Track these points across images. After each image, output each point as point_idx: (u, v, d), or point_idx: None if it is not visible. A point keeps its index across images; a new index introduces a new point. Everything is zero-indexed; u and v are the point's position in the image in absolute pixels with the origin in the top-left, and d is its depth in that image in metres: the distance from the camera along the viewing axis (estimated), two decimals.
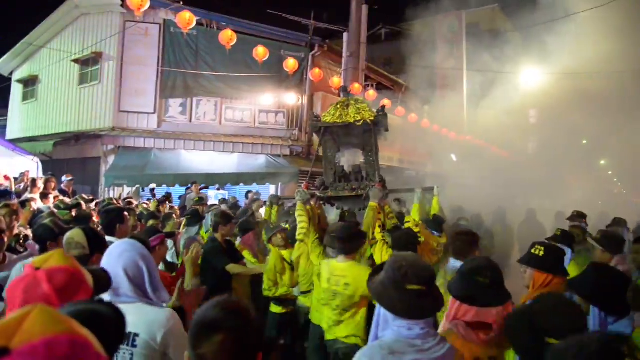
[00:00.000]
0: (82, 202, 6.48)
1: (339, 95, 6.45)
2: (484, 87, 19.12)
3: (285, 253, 5.17)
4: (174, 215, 6.51)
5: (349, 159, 7.63)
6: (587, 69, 14.32)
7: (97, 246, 2.78)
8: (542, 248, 2.93)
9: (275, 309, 5.09)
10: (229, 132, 14.20)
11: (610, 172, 28.16)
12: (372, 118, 5.99)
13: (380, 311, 2.04)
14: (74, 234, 2.82)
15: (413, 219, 5.19)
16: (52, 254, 1.60)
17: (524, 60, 17.89)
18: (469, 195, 9.16)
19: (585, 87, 15.08)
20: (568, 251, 3.97)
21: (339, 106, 6.12)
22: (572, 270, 3.51)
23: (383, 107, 6.32)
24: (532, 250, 2.96)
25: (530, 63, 17.89)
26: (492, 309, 2.27)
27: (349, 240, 3.90)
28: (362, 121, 5.95)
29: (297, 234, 4.77)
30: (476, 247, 3.88)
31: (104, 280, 1.89)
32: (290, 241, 5.21)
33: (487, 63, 18.48)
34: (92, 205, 7.13)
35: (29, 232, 4.29)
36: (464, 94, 20.91)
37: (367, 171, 6.17)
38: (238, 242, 5.69)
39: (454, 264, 3.78)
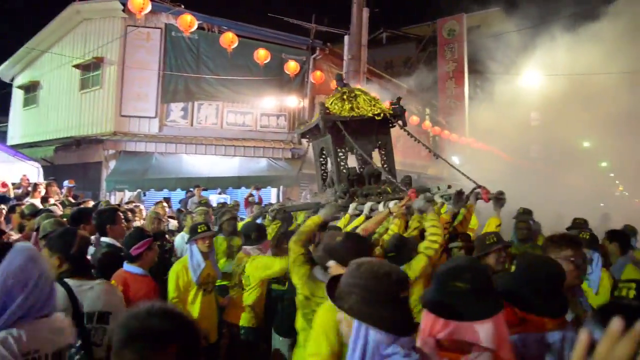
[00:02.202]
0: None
1: (337, 88, 5.86)
2: (484, 89, 19.11)
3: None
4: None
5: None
6: (589, 70, 14.32)
7: None
8: None
9: None
10: (230, 136, 14.21)
11: (612, 175, 28.11)
12: (391, 111, 5.48)
13: (362, 343, 1.62)
14: (46, 224, 2.83)
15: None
16: None
17: (526, 63, 17.87)
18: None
19: (587, 88, 15.05)
20: (595, 256, 3.74)
21: (344, 97, 5.52)
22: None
23: (399, 98, 5.81)
24: None
25: (532, 65, 17.87)
26: (474, 324, 1.74)
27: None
28: (381, 115, 5.36)
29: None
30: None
31: None
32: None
33: (488, 65, 18.48)
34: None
35: (16, 236, 4.39)
36: (465, 96, 20.90)
37: (385, 174, 5.52)
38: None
39: None
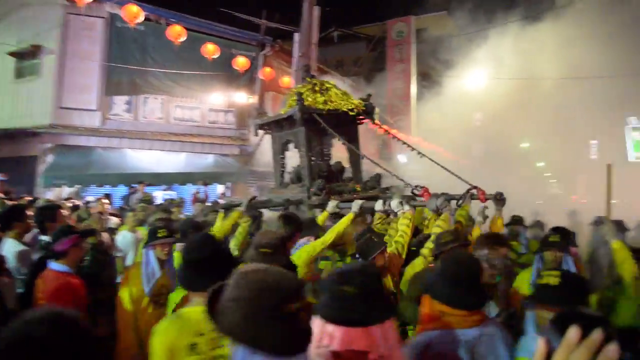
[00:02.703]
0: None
1: (304, 80, 5.71)
2: (431, 90, 19.61)
3: None
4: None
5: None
6: (528, 75, 15.01)
7: None
8: None
9: None
10: (177, 131, 13.88)
11: (548, 174, 29.56)
12: (363, 107, 5.43)
13: None
14: None
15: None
16: None
17: (470, 65, 18.46)
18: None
19: (528, 91, 15.75)
20: (568, 259, 3.70)
21: (316, 89, 5.38)
22: None
23: (369, 95, 5.76)
24: None
25: (476, 68, 18.48)
26: (360, 331, 1.63)
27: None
28: (355, 110, 5.30)
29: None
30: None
31: None
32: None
33: (434, 67, 18.97)
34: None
35: None
36: (412, 96, 21.37)
37: (353, 169, 5.53)
38: None
39: None
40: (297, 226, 4.03)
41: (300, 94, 5.22)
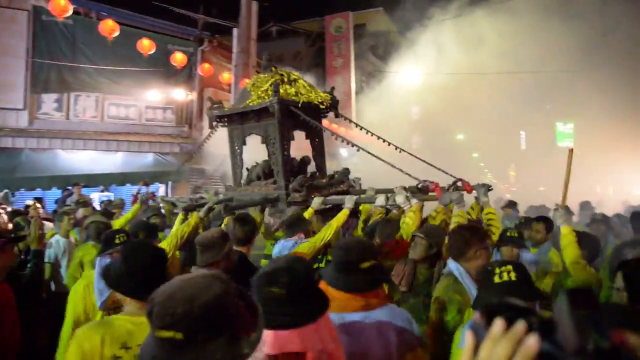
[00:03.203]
0: None
1: (261, 71, 5.44)
2: (370, 84, 19.98)
3: None
4: None
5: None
6: (463, 70, 15.64)
7: None
8: None
9: None
10: (113, 130, 13.35)
11: (482, 164, 30.99)
12: (330, 101, 5.31)
13: None
14: None
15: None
16: None
17: (407, 60, 18.96)
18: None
19: (462, 86, 16.41)
20: (525, 254, 3.74)
21: (284, 79, 5.17)
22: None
23: (333, 88, 5.70)
24: None
25: (413, 63, 19.02)
26: (292, 332, 1.56)
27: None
28: (325, 103, 5.20)
29: None
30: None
31: None
32: None
33: (373, 62, 19.35)
34: None
35: None
36: (352, 91, 21.67)
37: (318, 164, 5.40)
38: None
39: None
40: (253, 228, 3.96)
41: (277, 85, 5.00)
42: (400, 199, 4.39)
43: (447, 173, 5.22)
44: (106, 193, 12.93)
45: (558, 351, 0.58)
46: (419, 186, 4.88)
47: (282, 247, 4.12)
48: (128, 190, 12.79)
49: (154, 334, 1.19)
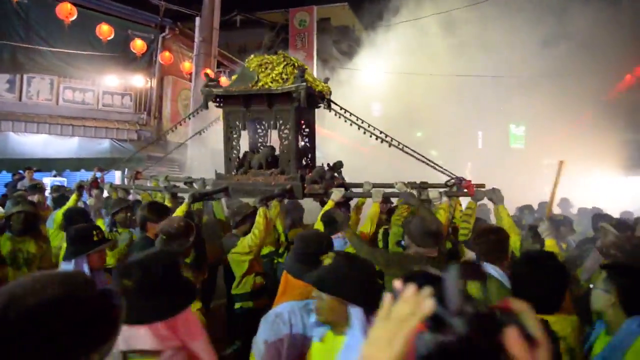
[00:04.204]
0: None
1: (269, 52, 5.18)
2: (332, 79, 20.16)
3: None
4: None
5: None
6: (425, 70, 16.11)
7: None
8: None
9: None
10: (68, 114, 13.03)
11: (440, 162, 31.75)
12: (330, 91, 5.17)
13: None
14: None
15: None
16: None
17: (369, 57, 19.24)
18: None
19: (423, 86, 16.85)
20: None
21: (295, 65, 4.91)
22: None
23: (327, 79, 5.57)
24: None
25: (375, 60, 19.31)
26: (143, 329, 1.48)
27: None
28: (328, 93, 5.07)
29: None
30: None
31: None
32: None
33: (335, 57, 19.53)
34: None
35: None
36: None
37: (308, 155, 5.23)
38: None
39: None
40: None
41: (304, 70, 4.81)
42: (433, 194, 4.57)
43: (444, 172, 5.33)
44: (59, 178, 12.67)
45: (444, 312, 0.72)
46: (449, 183, 4.95)
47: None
48: (82, 176, 12.57)
49: None
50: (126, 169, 13.28)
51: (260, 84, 4.88)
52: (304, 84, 4.71)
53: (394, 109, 18.88)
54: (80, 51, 12.40)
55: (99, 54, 12.46)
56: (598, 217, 5.67)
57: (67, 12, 9.07)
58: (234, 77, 5.26)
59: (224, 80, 14.76)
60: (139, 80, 13.75)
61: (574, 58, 14.82)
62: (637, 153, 15.91)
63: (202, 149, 13.00)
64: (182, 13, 15.02)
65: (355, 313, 1.86)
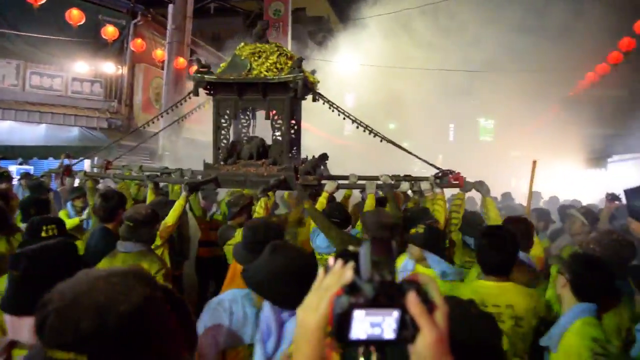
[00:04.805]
0: None
1: (261, 40, 5.11)
2: (306, 70, 20.17)
3: None
4: None
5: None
6: (398, 63, 16.34)
7: None
8: None
9: None
10: (35, 100, 12.72)
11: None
12: (315, 81, 5.13)
13: None
14: None
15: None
16: None
17: (344, 48, 19.33)
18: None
19: (397, 78, 17.06)
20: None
21: (289, 56, 4.93)
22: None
23: (314, 71, 5.51)
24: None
25: (349, 51, 19.41)
26: (27, 319, 1.43)
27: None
28: (314, 85, 5.04)
29: None
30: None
31: None
32: None
33: (310, 48, 19.53)
34: None
35: None
36: None
37: (294, 147, 5.18)
38: None
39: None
40: (118, 204, 4.09)
41: (301, 60, 4.83)
42: (425, 185, 4.75)
43: (432, 165, 5.42)
44: (25, 166, 12.40)
45: (358, 279, 0.86)
46: (439, 175, 5.01)
47: None
48: (50, 164, 12.34)
49: (45, 354, 0.88)
50: (95, 158, 13.11)
51: (255, 72, 4.86)
52: (302, 74, 4.71)
53: (367, 100, 19.07)
54: (49, 36, 12.09)
55: (69, 39, 12.19)
56: (564, 207, 6.12)
57: None
58: (222, 65, 5.20)
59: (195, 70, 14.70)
60: (110, 67, 13.52)
61: (542, 55, 15.27)
62: (599, 147, 16.51)
63: (174, 138, 12.92)
64: None
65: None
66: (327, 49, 19.43)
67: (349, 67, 19.59)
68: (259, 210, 4.27)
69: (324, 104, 5.34)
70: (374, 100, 18.14)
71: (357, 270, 0.88)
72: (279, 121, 5.01)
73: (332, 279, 0.90)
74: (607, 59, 12.19)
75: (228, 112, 5.10)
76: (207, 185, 5.07)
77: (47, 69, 12.90)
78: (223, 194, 6.30)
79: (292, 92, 4.85)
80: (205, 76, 4.95)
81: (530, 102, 16.94)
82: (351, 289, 0.85)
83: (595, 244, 2.89)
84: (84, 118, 13.32)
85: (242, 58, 4.95)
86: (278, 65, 4.86)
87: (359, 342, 0.84)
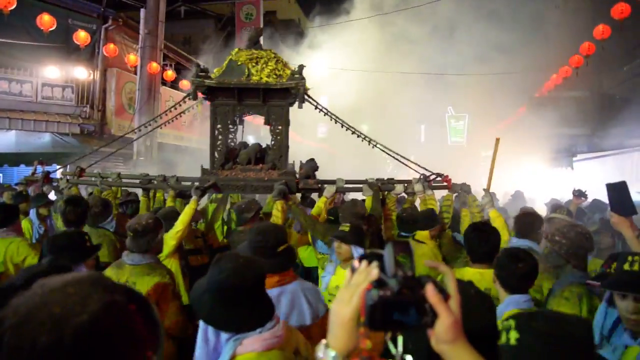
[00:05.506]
0: None
1: (254, 46, 5.17)
2: None
3: None
4: None
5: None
6: (370, 66, 16.61)
7: None
8: None
9: None
10: (4, 106, 12.43)
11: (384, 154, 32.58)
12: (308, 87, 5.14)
13: None
14: None
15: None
16: None
17: (314, 51, 19.50)
18: None
19: (369, 81, 17.33)
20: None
21: (281, 61, 4.97)
22: None
23: (302, 66, 5.44)
24: None
25: (320, 54, 19.60)
26: None
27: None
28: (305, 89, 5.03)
29: None
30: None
31: None
32: None
33: (283, 51, 19.62)
34: None
35: None
36: None
37: (282, 151, 5.14)
38: None
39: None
40: (85, 210, 4.23)
41: (302, 67, 4.89)
42: (417, 187, 5.05)
43: (423, 167, 5.66)
44: None
45: (384, 276, 1.01)
46: (429, 177, 5.31)
47: None
48: (22, 172, 12.12)
49: None
50: (68, 166, 12.90)
51: (255, 78, 4.89)
52: (304, 80, 4.83)
53: (340, 102, 19.27)
54: (18, 41, 11.88)
55: (38, 44, 12.00)
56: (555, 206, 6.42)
57: (6, 1, 8.69)
58: (217, 70, 5.15)
59: (169, 75, 14.64)
60: (81, 72, 13.33)
61: (509, 58, 15.78)
62: (564, 146, 17.13)
63: (148, 143, 12.86)
64: (126, 3, 14.68)
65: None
66: (298, 52, 19.57)
67: (320, 69, 19.76)
68: (276, 213, 4.38)
69: (316, 108, 5.52)
70: (347, 102, 18.37)
71: (381, 268, 1.03)
72: (279, 127, 5.09)
73: (360, 276, 1.04)
74: (569, 62, 12.73)
75: (226, 117, 5.10)
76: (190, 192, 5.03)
77: (16, 74, 12.64)
78: (203, 203, 6.29)
79: (291, 98, 4.99)
80: (206, 81, 4.91)
81: (498, 104, 17.47)
82: (379, 284, 1.00)
83: (561, 236, 3.05)
84: (55, 124, 13.10)
85: (239, 63, 4.97)
86: (277, 72, 4.95)
87: (387, 328, 1.02)
